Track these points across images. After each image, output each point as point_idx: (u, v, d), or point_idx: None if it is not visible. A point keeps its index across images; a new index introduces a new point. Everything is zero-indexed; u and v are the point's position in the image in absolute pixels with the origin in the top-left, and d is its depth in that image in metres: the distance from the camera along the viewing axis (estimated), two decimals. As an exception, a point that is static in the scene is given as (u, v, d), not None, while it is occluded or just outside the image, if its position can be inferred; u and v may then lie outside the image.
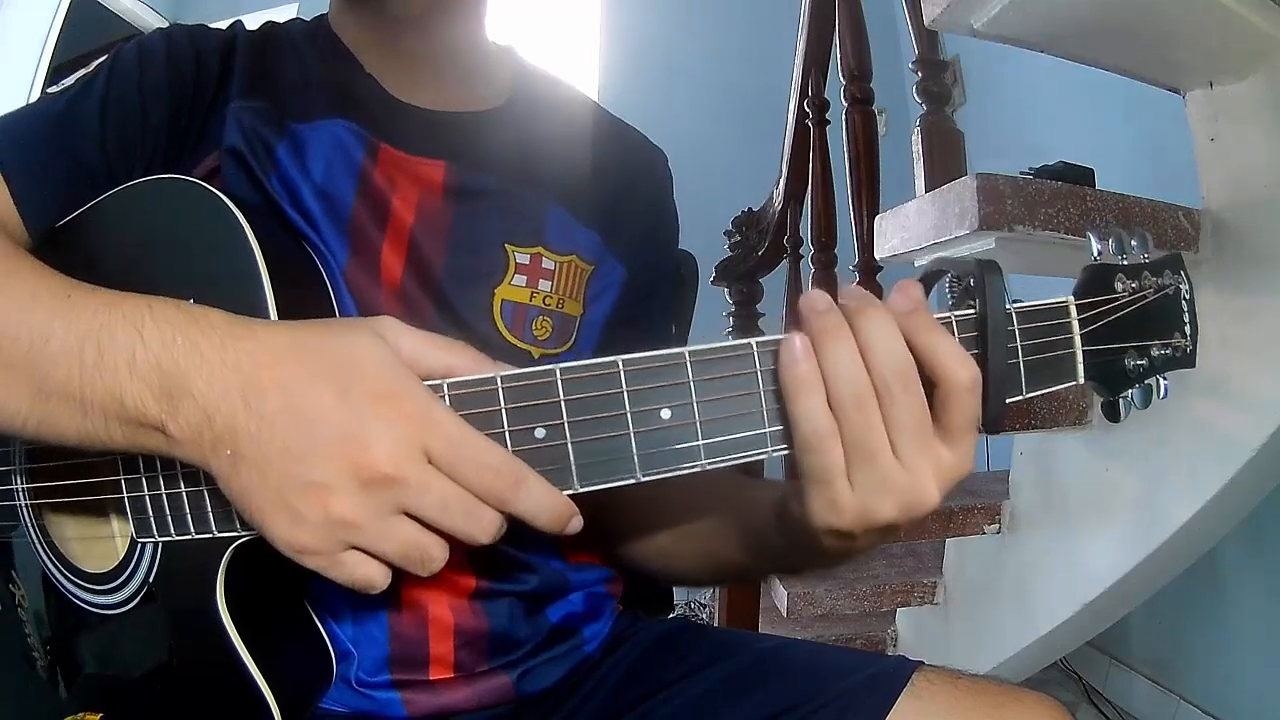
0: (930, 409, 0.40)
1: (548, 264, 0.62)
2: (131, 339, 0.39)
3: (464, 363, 0.41)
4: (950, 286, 0.44)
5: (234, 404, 0.38)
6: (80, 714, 0.54)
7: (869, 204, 1.49)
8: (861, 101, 1.53)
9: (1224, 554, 1.55)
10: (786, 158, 1.82)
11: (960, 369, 0.39)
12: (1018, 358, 0.43)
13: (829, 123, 1.71)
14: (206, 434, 0.38)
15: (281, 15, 0.67)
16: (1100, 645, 1.94)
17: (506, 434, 0.40)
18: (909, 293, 0.41)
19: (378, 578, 0.40)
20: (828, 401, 0.39)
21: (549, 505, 0.40)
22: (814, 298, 0.41)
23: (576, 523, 0.41)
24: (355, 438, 0.37)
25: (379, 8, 0.61)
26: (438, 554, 0.39)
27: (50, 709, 0.55)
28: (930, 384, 0.40)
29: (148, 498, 0.47)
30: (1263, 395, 1.03)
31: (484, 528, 0.39)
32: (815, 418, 0.39)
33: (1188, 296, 0.46)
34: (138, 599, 0.50)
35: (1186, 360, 0.46)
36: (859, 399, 0.39)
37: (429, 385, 0.40)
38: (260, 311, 0.47)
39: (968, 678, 0.57)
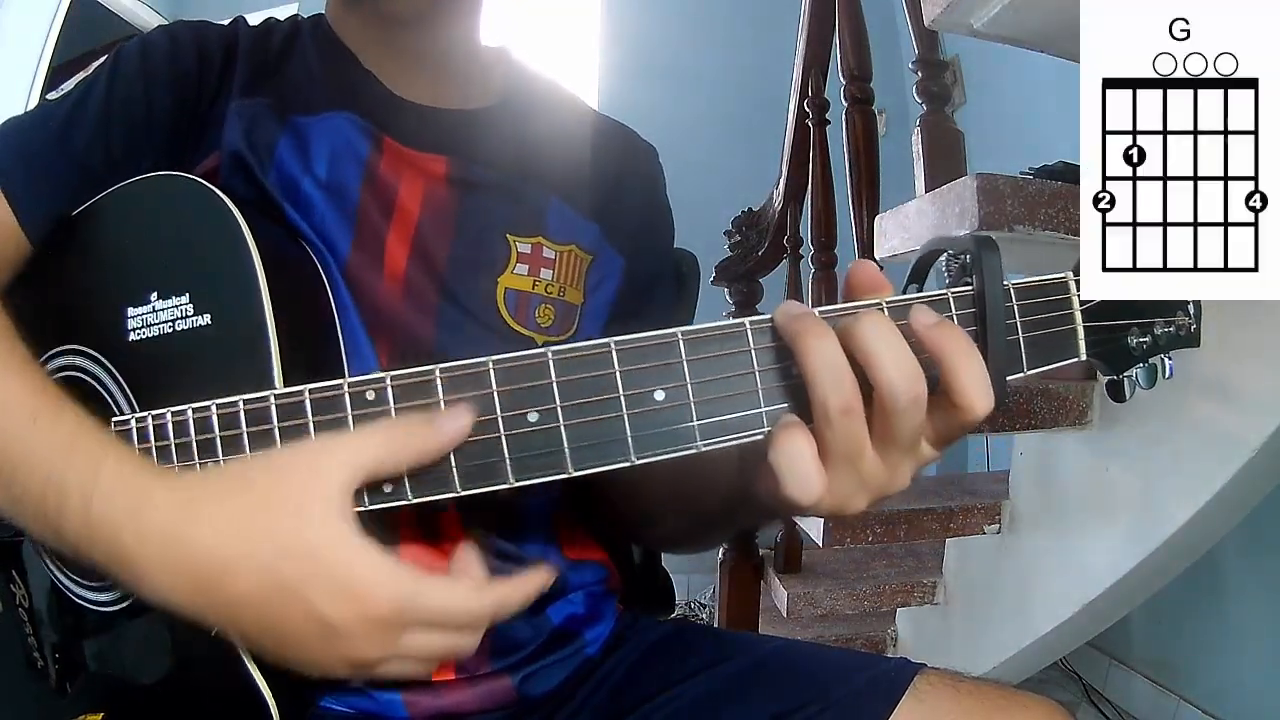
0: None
1: (548, 253, 0.62)
2: (84, 509, 0.40)
3: (427, 445, 0.40)
4: (947, 265, 0.44)
5: (199, 607, 0.40)
6: (82, 715, 0.54)
7: (869, 204, 1.49)
8: (861, 101, 1.53)
9: (1224, 554, 1.55)
10: (786, 158, 1.82)
11: (980, 400, 0.38)
12: (1017, 334, 0.42)
13: (829, 123, 1.71)
14: (182, 612, 0.40)
15: (281, 14, 0.67)
16: (1100, 645, 1.94)
17: (499, 419, 0.40)
18: (867, 271, 0.42)
19: (422, 668, 0.43)
20: (810, 407, 0.38)
21: (524, 602, 0.43)
22: (787, 306, 0.40)
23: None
24: (337, 647, 0.40)
25: (375, 7, 0.61)
26: (466, 645, 0.43)
27: (52, 709, 0.55)
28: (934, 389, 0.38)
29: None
30: (1263, 395, 1.02)
31: (470, 652, 0.44)
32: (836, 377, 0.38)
33: None
34: (133, 595, 0.50)
35: (1191, 339, 0.45)
36: (845, 406, 0.37)
37: (423, 370, 0.40)
38: (256, 310, 0.47)
39: (969, 681, 0.57)
